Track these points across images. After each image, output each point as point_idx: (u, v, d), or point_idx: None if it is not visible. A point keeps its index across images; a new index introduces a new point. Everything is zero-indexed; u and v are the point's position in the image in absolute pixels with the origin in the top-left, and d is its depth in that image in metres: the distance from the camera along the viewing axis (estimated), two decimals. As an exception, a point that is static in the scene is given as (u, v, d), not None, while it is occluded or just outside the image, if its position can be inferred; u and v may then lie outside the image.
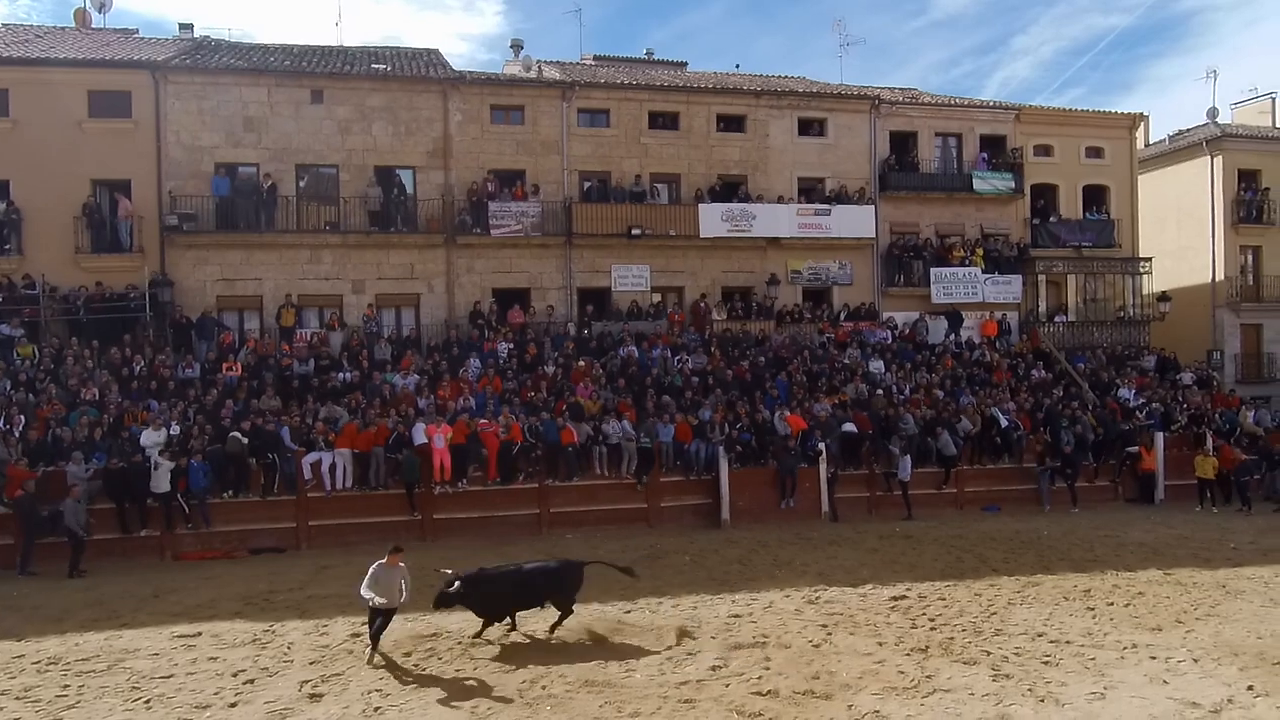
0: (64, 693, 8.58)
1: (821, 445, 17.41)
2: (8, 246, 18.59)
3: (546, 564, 10.59)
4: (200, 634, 10.27)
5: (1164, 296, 25.13)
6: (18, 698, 8.47)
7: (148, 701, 8.40)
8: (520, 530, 15.75)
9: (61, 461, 14.45)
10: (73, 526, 13.38)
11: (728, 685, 8.73)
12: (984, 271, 23.72)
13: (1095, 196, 25.80)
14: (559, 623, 10.07)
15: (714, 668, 9.17)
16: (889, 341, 22.26)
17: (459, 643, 9.96)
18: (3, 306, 17.82)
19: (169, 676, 8.99)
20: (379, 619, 9.27)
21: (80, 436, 14.80)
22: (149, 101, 19.52)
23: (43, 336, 17.80)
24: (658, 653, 9.61)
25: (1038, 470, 17.85)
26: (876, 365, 20.89)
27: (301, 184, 20.71)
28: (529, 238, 21.28)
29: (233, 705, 8.31)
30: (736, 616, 10.89)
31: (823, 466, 17.36)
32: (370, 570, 9.20)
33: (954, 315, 23.40)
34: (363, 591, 9.14)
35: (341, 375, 17.94)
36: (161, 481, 14.34)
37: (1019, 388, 21.01)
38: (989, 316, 23.73)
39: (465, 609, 9.92)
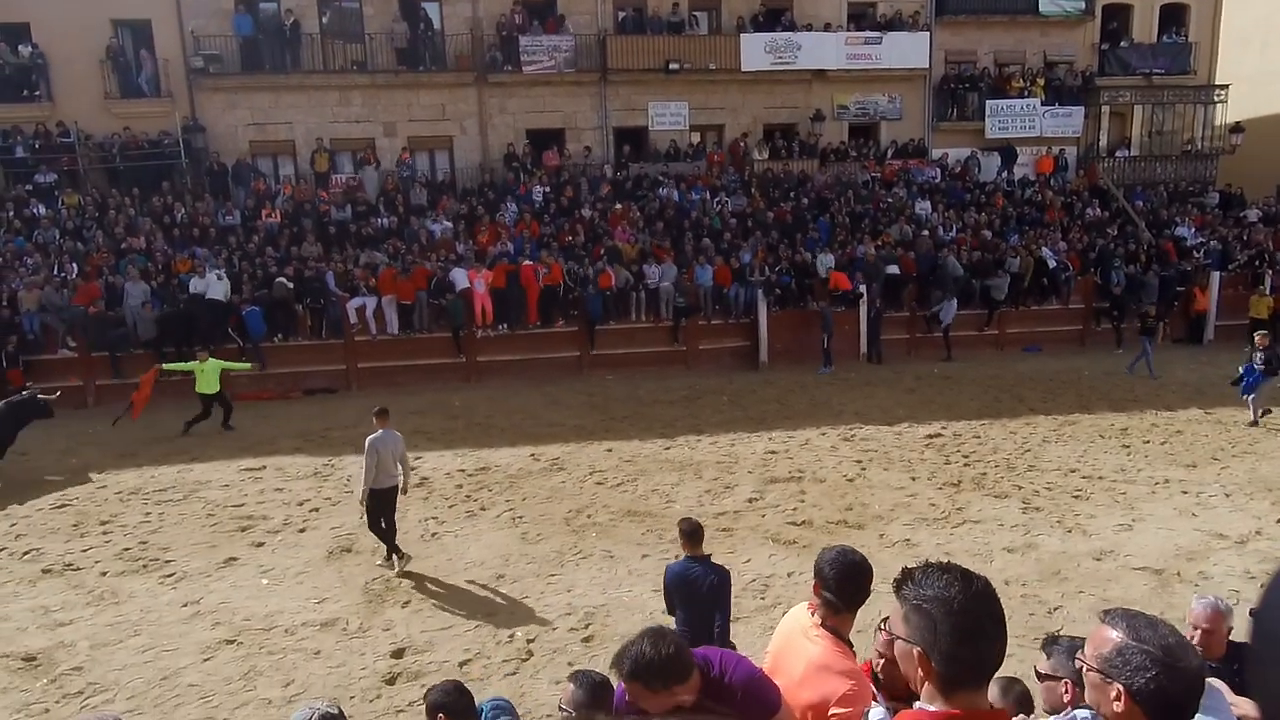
0: (146, 519, 9.29)
1: (862, 287, 17.19)
2: (37, 93, 18.36)
3: None
4: (265, 467, 10.91)
5: (1237, 127, 23.50)
6: (104, 522, 9.20)
7: (225, 527, 9.06)
8: (561, 372, 16.09)
9: (118, 307, 14.91)
10: (131, 348, 14.61)
11: (764, 516, 9.11)
12: (1043, 103, 22.32)
13: (1173, 17, 23.68)
14: None
15: (750, 500, 9.54)
16: (937, 180, 21.40)
17: (507, 475, 10.46)
18: (41, 155, 17.87)
19: (240, 505, 9.64)
20: (382, 514, 7.81)
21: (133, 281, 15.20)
22: (162, -68, 18.53)
23: (81, 185, 17.92)
24: (695, 486, 10.00)
25: (1140, 334, 16.01)
26: (923, 205, 20.21)
27: (325, 20, 19.86)
28: (562, 74, 20.38)
29: (301, 531, 8.94)
30: (773, 453, 11.20)
31: (863, 308, 17.21)
32: (367, 444, 7.71)
33: (1008, 151, 22.27)
34: (362, 476, 7.76)
35: (379, 221, 17.93)
36: (215, 289, 15.02)
37: (1071, 227, 20.26)
38: (1045, 152, 22.55)
39: None
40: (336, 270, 16.09)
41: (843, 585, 2.79)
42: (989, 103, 22.23)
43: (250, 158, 19.30)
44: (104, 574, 7.92)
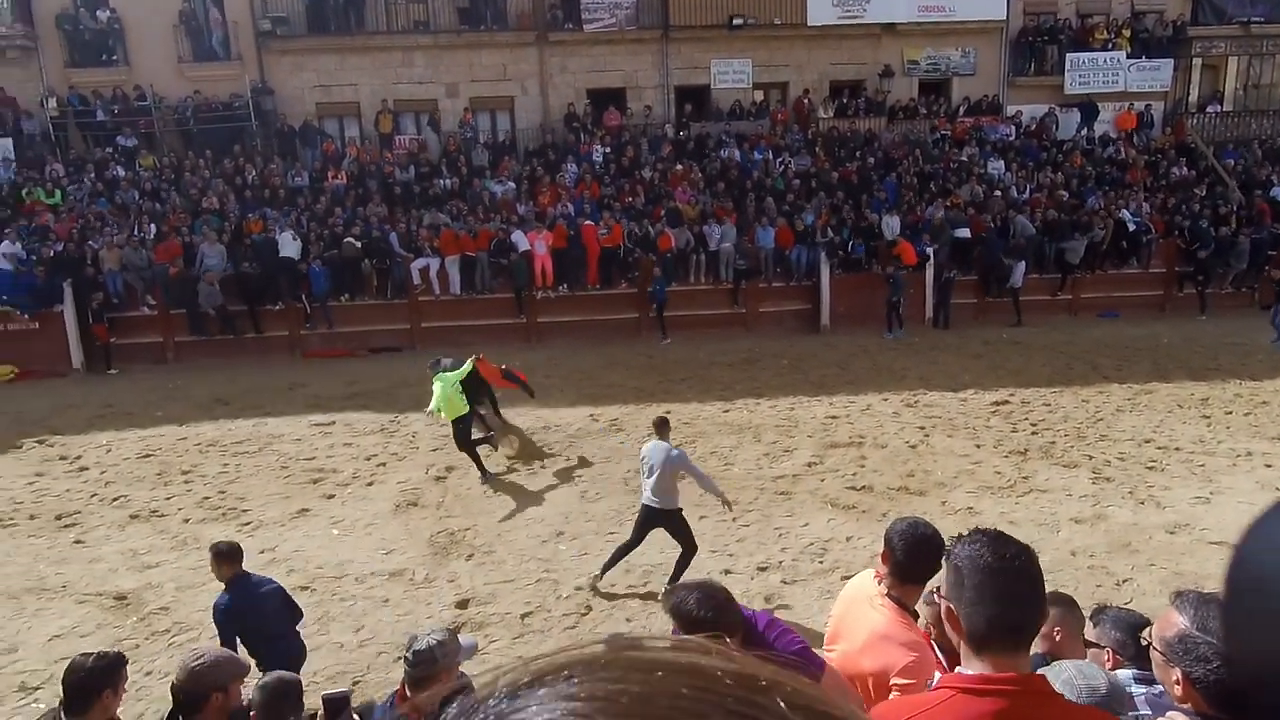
0: (224, 470, 9.71)
1: (929, 250, 16.72)
2: (115, 57, 18.92)
3: None
4: (334, 422, 11.26)
5: (1343, 79, 21.97)
6: (185, 472, 9.64)
7: (297, 479, 9.42)
8: (620, 334, 16.12)
9: (194, 266, 15.45)
10: (205, 307, 14.99)
11: (823, 480, 9.06)
12: (1129, 55, 21.16)
13: (1276, -41, 22.10)
14: None
15: (810, 464, 9.48)
16: (1011, 138, 20.56)
17: (567, 435, 10.59)
18: (120, 118, 18.47)
19: (311, 458, 9.99)
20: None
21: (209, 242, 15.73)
22: (229, -106, 18.77)
23: (158, 147, 18.49)
24: (754, 449, 9.98)
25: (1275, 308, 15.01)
26: (996, 165, 19.47)
27: (387, -22, 19.93)
28: (623, 31, 20.11)
29: (369, 484, 9.23)
30: (833, 418, 11.08)
31: (929, 272, 16.77)
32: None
33: (1088, 107, 21.23)
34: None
35: (442, 182, 18.10)
36: (289, 248, 15.52)
37: (1155, 187, 19.30)
38: (1128, 108, 21.43)
39: None
40: (400, 231, 16.35)
41: (911, 557, 2.76)
42: (1069, 56, 21.17)
43: (317, 119, 19.63)
44: (186, 520, 8.33)
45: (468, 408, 9.17)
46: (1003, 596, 1.65)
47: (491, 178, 18.27)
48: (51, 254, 15.28)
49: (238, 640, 4.66)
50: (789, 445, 10.10)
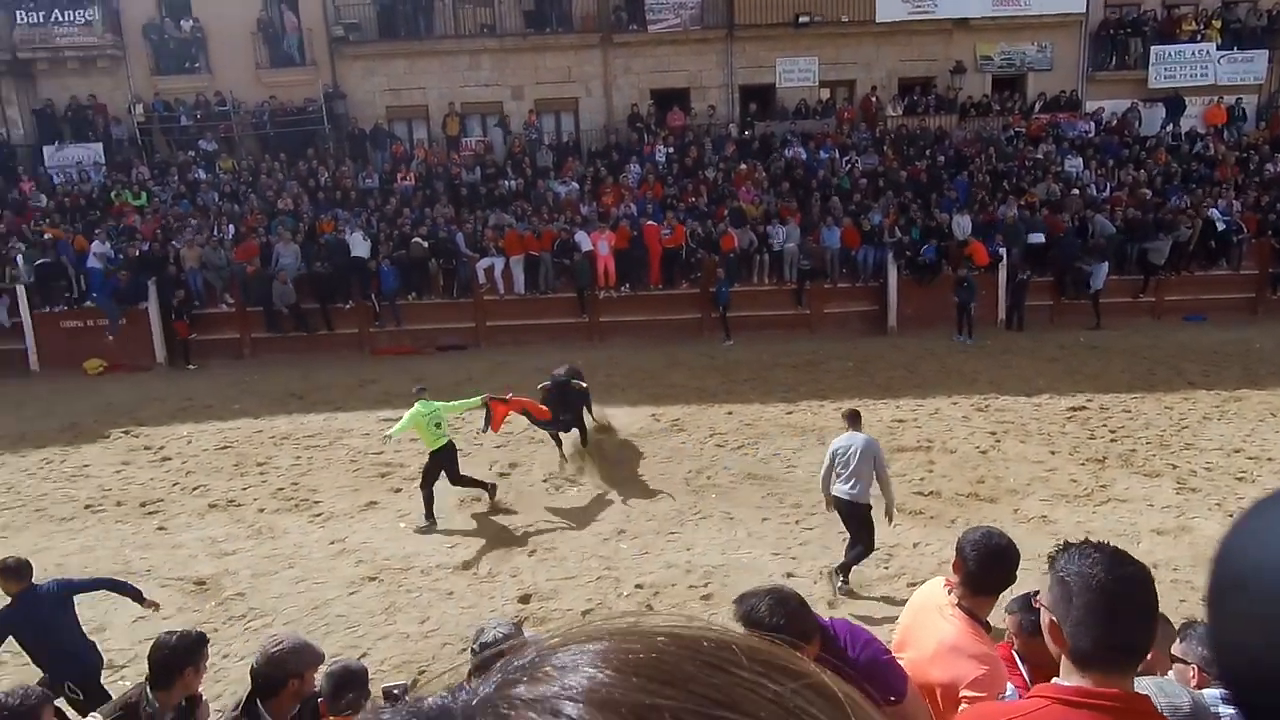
0: (297, 462, 10.00)
1: (1002, 250, 16.23)
2: (197, 65, 19.70)
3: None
4: (401, 418, 11.46)
5: None
6: (260, 464, 9.95)
7: (366, 473, 9.63)
8: (683, 334, 16.07)
9: (269, 265, 15.97)
10: (279, 305, 15.47)
11: (889, 484, 8.84)
12: (1219, 47, 20.18)
13: (1383, -58, 20.80)
14: None
15: (876, 468, 9.27)
16: (1091, 135, 19.81)
17: (629, 434, 10.60)
18: (201, 123, 19.23)
19: (379, 453, 10.21)
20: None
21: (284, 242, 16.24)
22: (307, -95, 19.37)
23: (236, 151, 19.19)
24: (818, 452, 9.81)
25: None
26: (1074, 162, 18.78)
27: (456, -15, 20.30)
28: (688, 31, 20.06)
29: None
30: (900, 421, 10.83)
31: (1002, 273, 16.27)
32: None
33: (1174, 101, 20.30)
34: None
35: (507, 183, 18.33)
36: (360, 248, 15.85)
37: (1247, 184, 18.35)
38: (1218, 101, 20.43)
39: None
40: (466, 231, 16.62)
41: (984, 569, 2.66)
42: (1154, 49, 20.28)
43: (387, 122, 20.09)
44: (261, 510, 8.60)
45: (445, 440, 8.35)
46: (1115, 617, 1.57)
47: (555, 178, 18.42)
48: (137, 253, 15.98)
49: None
50: (854, 448, 9.90)
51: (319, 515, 8.43)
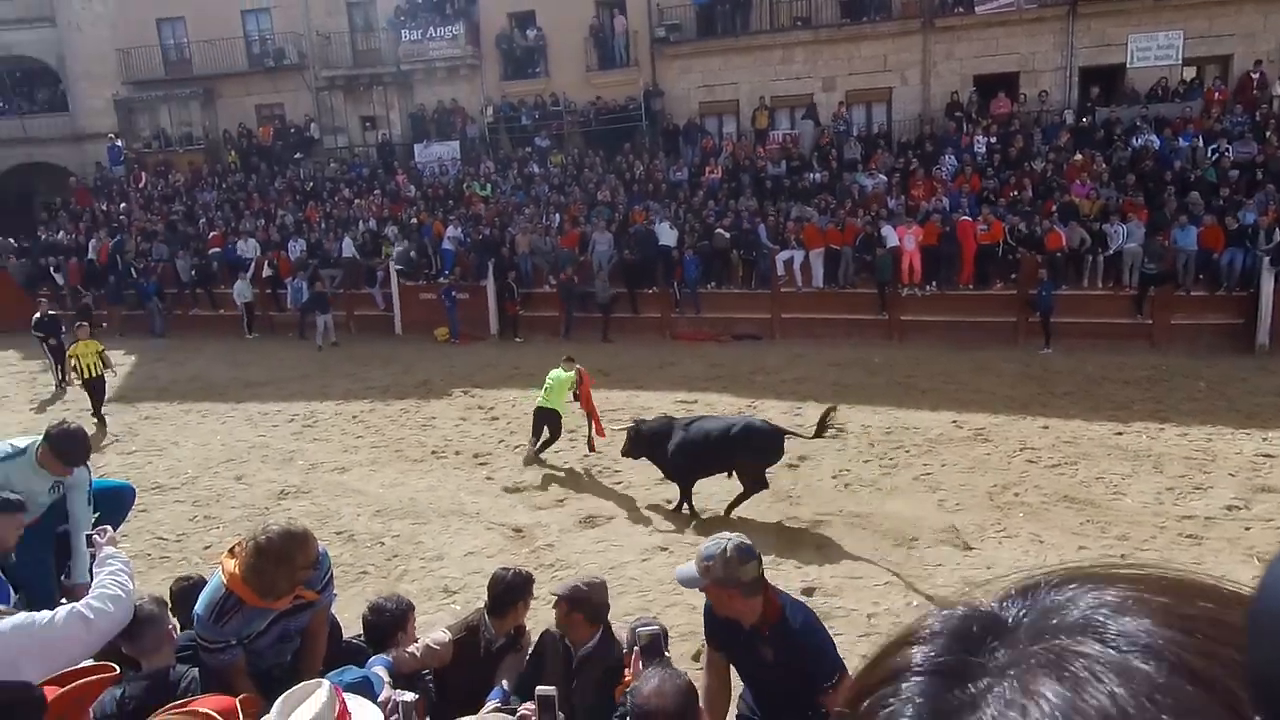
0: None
1: None
2: (537, 70, 21.93)
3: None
4: (696, 401, 11.93)
5: None
6: (570, 431, 10.85)
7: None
8: (994, 338, 14.86)
9: (587, 253, 17.37)
10: (601, 299, 16.73)
11: (1247, 529, 7.51)
12: None
13: None
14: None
15: (1230, 507, 7.92)
16: None
17: (926, 439, 10.06)
18: (539, 123, 21.40)
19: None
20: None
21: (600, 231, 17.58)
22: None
23: (565, 147, 21.09)
24: (1153, 481, 8.57)
25: None
26: None
27: (774, -21, 20.45)
28: (1022, 12, 18.39)
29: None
30: (1267, 456, 9.11)
31: None
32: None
33: None
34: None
35: (812, 176, 18.18)
36: (667, 237, 16.67)
37: None
38: None
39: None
40: (769, 224, 16.76)
41: None
42: None
43: (699, 118, 20.86)
44: (569, 471, 9.42)
45: (555, 407, 9.65)
46: None
47: (862, 171, 17.92)
48: (480, 237, 18.22)
49: None
50: (1201, 482, 8.52)
51: (618, 484, 9.05)
